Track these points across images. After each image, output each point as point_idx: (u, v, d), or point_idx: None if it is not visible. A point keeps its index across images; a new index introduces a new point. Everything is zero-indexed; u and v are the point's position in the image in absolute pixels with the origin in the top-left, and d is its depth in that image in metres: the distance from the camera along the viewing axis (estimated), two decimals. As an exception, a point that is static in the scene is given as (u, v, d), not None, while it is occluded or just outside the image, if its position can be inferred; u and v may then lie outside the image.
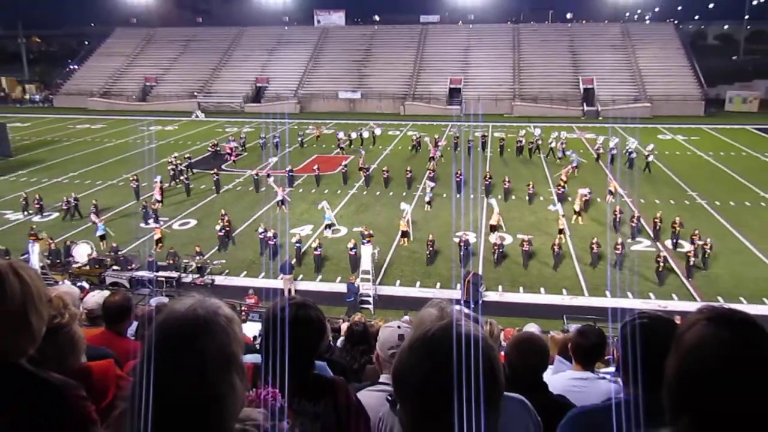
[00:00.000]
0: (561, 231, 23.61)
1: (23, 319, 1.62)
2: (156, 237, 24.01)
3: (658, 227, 24.83)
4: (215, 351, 1.35)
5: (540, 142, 40.14)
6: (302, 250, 22.79)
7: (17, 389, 1.63)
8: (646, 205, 28.01)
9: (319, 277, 21.38)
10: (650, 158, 34.41)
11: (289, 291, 19.68)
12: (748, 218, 26.83)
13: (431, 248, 22.27)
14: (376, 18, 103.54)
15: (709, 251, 21.85)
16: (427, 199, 28.48)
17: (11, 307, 1.59)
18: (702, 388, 1.22)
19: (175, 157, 36.13)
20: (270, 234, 22.92)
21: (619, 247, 21.63)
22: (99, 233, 24.23)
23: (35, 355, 1.70)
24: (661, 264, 20.70)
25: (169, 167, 34.31)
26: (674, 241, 23.85)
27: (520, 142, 40.20)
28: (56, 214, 28.04)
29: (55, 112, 64.44)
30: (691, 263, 21.16)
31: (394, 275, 21.65)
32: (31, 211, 28.22)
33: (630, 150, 35.04)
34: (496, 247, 22.14)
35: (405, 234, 24.21)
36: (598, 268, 21.71)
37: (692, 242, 22.72)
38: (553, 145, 38.77)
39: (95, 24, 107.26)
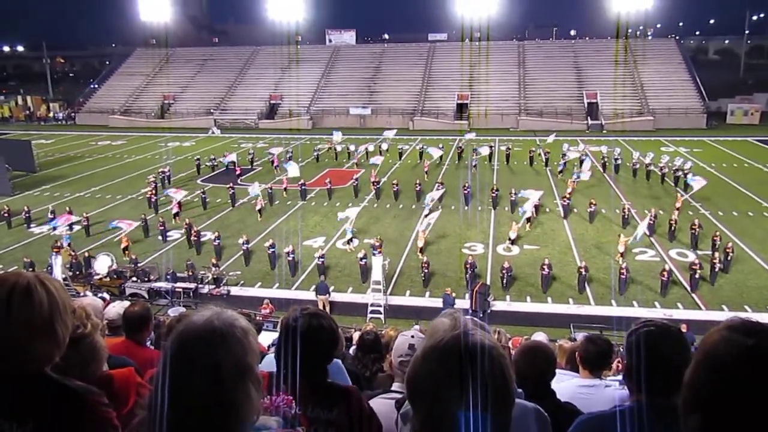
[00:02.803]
0: (622, 255, 22.99)
1: (50, 328, 1.66)
2: (122, 246, 24.48)
3: (673, 228, 25.09)
4: (231, 361, 1.40)
5: (549, 155, 40.87)
6: (297, 261, 23.08)
7: (41, 396, 1.66)
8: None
9: (332, 287, 21.23)
10: (689, 176, 33.44)
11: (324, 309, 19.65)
12: (751, 228, 27.04)
13: (426, 270, 21.91)
14: (386, 36, 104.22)
15: (731, 254, 21.82)
16: (426, 211, 28.44)
17: (39, 317, 1.64)
18: (718, 390, 1.22)
19: (161, 172, 37.12)
20: (267, 245, 23.61)
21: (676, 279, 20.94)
22: (66, 242, 24.87)
23: (59, 363, 1.74)
24: (698, 270, 20.44)
25: (151, 179, 35.23)
26: (694, 242, 24.20)
27: (584, 156, 39.43)
28: (78, 227, 28.42)
29: (77, 130, 66.10)
30: (716, 269, 21.02)
31: (404, 285, 21.96)
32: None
33: (684, 169, 34.97)
34: (504, 271, 21.43)
35: (422, 250, 24.31)
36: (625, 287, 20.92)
37: (713, 243, 22.85)
38: (619, 161, 38.94)
39: (116, 45, 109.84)
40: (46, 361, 1.69)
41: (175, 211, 29.60)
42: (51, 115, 77.65)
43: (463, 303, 19.67)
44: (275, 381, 2.11)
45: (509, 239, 25.39)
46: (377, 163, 38.70)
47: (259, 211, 29.78)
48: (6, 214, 29.55)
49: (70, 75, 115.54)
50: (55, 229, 26.74)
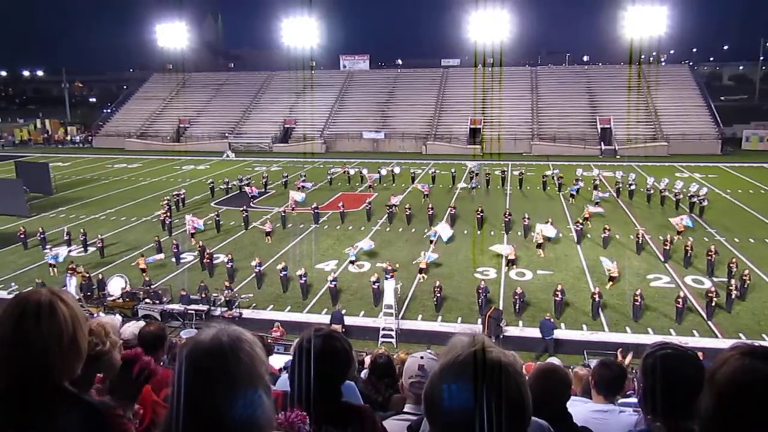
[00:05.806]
0: (611, 279, 23.07)
1: (74, 341, 1.70)
2: (141, 267, 24.61)
3: (689, 254, 24.79)
4: (243, 373, 1.41)
5: (562, 179, 40.94)
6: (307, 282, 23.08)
7: (60, 409, 1.68)
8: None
9: (344, 310, 21.05)
10: (705, 203, 33.85)
11: None
12: (767, 255, 26.65)
13: (438, 294, 21.71)
14: (399, 62, 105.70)
15: (748, 281, 21.58)
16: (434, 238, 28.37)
17: (65, 331, 1.68)
18: (742, 421, 1.20)
19: (175, 195, 37.61)
20: (279, 267, 23.67)
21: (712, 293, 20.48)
22: (50, 261, 25.39)
23: (78, 379, 1.77)
24: (714, 298, 20.14)
25: (165, 201, 35.38)
26: (710, 269, 23.88)
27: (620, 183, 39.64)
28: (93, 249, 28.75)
29: (94, 153, 67.01)
30: (733, 296, 20.68)
31: (416, 309, 21.86)
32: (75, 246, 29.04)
33: (700, 196, 34.78)
34: (517, 297, 21.17)
35: (422, 270, 24.45)
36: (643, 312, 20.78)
37: (729, 270, 22.51)
38: (633, 187, 38.66)
39: (134, 70, 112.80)
40: (69, 373, 1.73)
41: (191, 232, 29.85)
42: (68, 138, 78.84)
43: (475, 328, 19.28)
44: (290, 400, 2.12)
45: (509, 262, 25.20)
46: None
47: (268, 234, 29.99)
48: (22, 236, 29.81)
49: (88, 99, 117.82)
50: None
